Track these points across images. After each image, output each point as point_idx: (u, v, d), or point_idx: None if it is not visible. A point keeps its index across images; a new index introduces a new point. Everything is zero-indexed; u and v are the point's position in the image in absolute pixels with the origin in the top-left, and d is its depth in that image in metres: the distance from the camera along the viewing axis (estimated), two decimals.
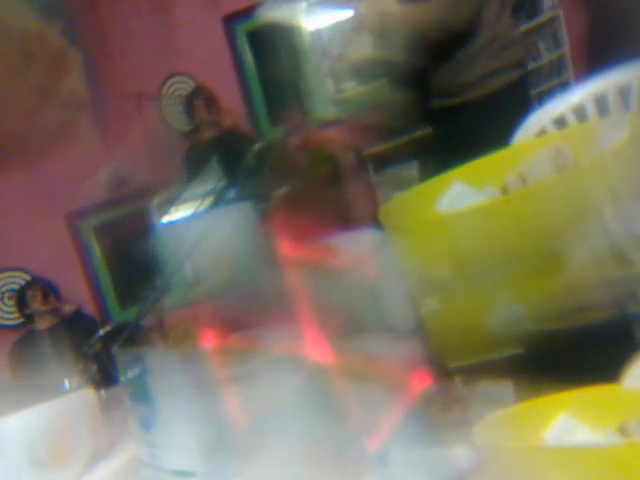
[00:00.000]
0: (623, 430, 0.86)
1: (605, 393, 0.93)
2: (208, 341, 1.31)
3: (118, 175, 3.42)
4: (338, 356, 1.23)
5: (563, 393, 1.00)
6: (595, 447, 0.82)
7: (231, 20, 4.05)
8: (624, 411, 0.88)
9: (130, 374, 1.22)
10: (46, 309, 3.58)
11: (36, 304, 3.58)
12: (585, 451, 0.79)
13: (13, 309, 3.96)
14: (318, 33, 3.51)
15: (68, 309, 3.69)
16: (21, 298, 3.65)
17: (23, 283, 3.77)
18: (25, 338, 3.61)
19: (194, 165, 3.30)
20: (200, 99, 3.64)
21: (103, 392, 1.53)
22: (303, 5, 3.18)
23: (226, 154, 2.57)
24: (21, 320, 3.87)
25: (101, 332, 1.73)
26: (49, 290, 3.63)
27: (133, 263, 1.90)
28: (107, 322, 3.60)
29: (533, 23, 3.45)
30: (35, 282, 3.66)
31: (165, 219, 1.86)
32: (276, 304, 1.33)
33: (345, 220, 1.70)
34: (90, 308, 3.96)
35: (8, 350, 3.62)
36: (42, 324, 3.61)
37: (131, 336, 1.38)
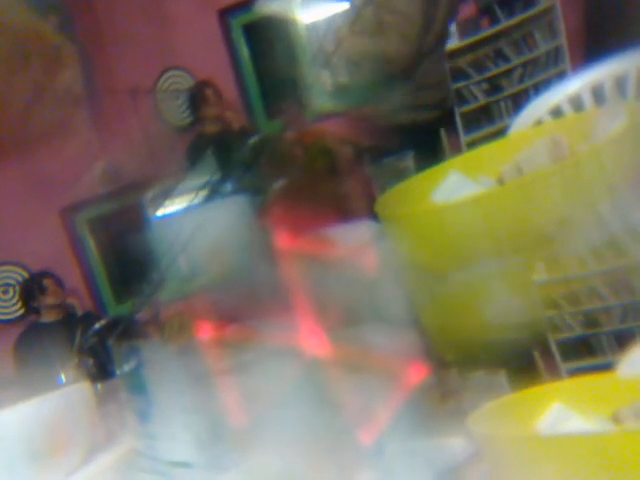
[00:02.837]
0: (616, 418, 0.87)
1: (598, 382, 0.94)
2: (204, 333, 1.31)
3: (113, 169, 3.42)
4: (335, 348, 1.23)
5: (557, 382, 1.01)
6: (588, 435, 0.82)
7: (226, 13, 4.03)
8: (617, 399, 0.88)
9: (126, 367, 1.22)
10: (56, 302, 3.57)
11: (48, 297, 3.57)
12: (579, 439, 0.79)
13: (7, 303, 3.95)
14: (314, 26, 3.50)
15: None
16: (28, 291, 3.63)
17: (27, 276, 3.76)
18: (31, 331, 3.60)
19: (198, 159, 3.31)
20: (206, 93, 3.64)
21: (100, 385, 1.53)
22: None
23: (229, 149, 2.57)
24: (17, 314, 3.87)
25: (97, 326, 1.73)
26: (58, 283, 3.62)
27: (128, 257, 1.89)
28: (103, 316, 3.59)
29: (529, 13, 3.44)
30: (44, 275, 3.64)
31: (160, 213, 1.86)
32: (272, 296, 1.33)
33: (342, 212, 1.70)
34: (86, 302, 3.96)
35: (13, 343, 3.61)
36: (49, 317, 3.60)
37: (127, 329, 1.38)
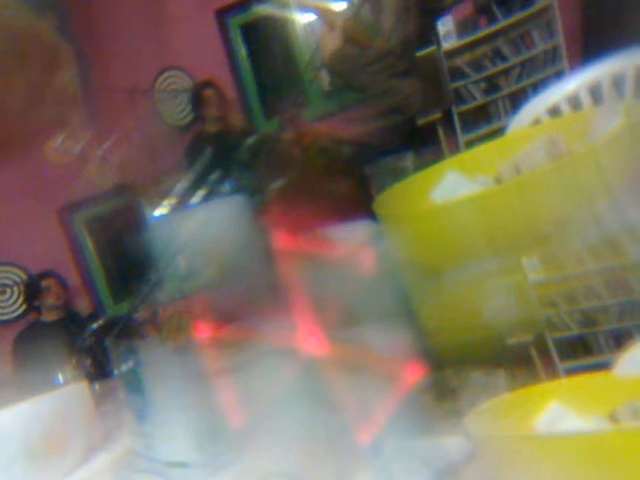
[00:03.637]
0: (613, 417, 0.87)
1: (595, 381, 0.94)
2: (202, 333, 1.31)
3: (111, 169, 3.42)
4: (332, 347, 1.23)
5: (554, 381, 1.01)
6: (586, 434, 0.82)
7: (224, 13, 4.02)
8: (614, 398, 0.88)
9: (124, 367, 1.22)
10: (58, 302, 3.58)
11: (49, 297, 3.57)
12: (576, 438, 0.79)
13: (4, 304, 3.95)
14: (311, 26, 3.50)
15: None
16: (31, 289, 3.63)
17: (24, 276, 3.76)
18: (31, 330, 3.60)
19: (197, 158, 3.31)
20: (206, 93, 3.65)
21: (97, 385, 1.53)
22: None
23: (228, 149, 2.57)
24: (15, 315, 3.87)
25: (94, 326, 1.73)
26: (61, 283, 3.63)
27: (126, 256, 1.89)
28: (100, 316, 3.59)
29: (527, 12, 3.44)
30: (47, 274, 3.64)
31: (158, 212, 1.86)
32: (270, 296, 1.33)
33: (340, 212, 1.70)
34: (83, 302, 3.96)
35: (12, 342, 3.62)
36: (49, 317, 3.60)
37: (125, 329, 1.38)
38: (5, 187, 3.81)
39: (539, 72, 3.50)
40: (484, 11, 3.63)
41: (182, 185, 1.97)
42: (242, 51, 4.09)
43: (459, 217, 1.29)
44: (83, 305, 3.85)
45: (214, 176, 2.08)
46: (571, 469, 0.76)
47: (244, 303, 1.34)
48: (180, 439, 1.13)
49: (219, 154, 2.79)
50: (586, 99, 1.86)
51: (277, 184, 1.93)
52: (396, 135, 2.13)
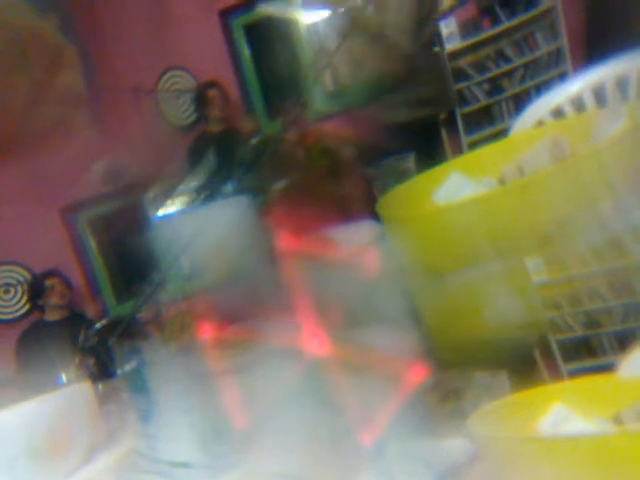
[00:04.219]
0: (617, 419, 0.87)
1: (599, 383, 0.94)
2: (205, 334, 1.31)
3: (114, 169, 3.43)
4: (336, 348, 1.23)
5: (558, 383, 1.01)
6: (590, 436, 0.82)
7: (228, 14, 4.03)
8: (618, 400, 0.88)
9: (127, 367, 1.23)
10: (61, 302, 3.58)
11: (53, 296, 3.58)
12: (580, 441, 0.79)
13: (8, 303, 3.96)
14: (315, 26, 3.50)
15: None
16: (35, 289, 3.63)
17: (28, 275, 3.77)
18: (35, 329, 3.60)
19: (199, 157, 3.32)
20: (209, 94, 3.66)
21: (101, 385, 1.53)
22: None
23: (231, 149, 2.57)
24: (18, 314, 3.88)
25: (97, 326, 1.73)
26: (65, 283, 3.63)
27: (130, 256, 1.89)
28: (103, 316, 3.59)
29: (531, 14, 3.44)
30: (51, 274, 3.64)
31: (162, 212, 1.87)
32: (274, 297, 1.33)
33: (343, 213, 1.70)
34: (86, 302, 3.96)
35: (16, 341, 3.62)
36: (53, 316, 3.60)
37: (128, 329, 1.38)
38: (9, 186, 3.82)
39: (542, 74, 3.50)
40: (487, 12, 3.63)
41: (185, 185, 1.97)
42: (245, 51, 4.09)
43: (462, 218, 1.29)
44: (90, 309, 3.86)
45: (217, 177, 2.08)
46: (575, 471, 0.76)
47: (247, 304, 1.34)
48: (183, 440, 1.13)
49: (222, 154, 2.79)
50: (590, 101, 1.86)
51: (280, 185, 1.93)
52: (403, 134, 2.16)
